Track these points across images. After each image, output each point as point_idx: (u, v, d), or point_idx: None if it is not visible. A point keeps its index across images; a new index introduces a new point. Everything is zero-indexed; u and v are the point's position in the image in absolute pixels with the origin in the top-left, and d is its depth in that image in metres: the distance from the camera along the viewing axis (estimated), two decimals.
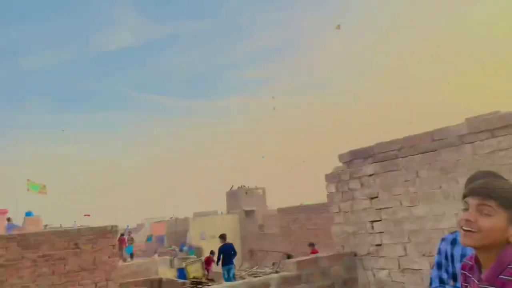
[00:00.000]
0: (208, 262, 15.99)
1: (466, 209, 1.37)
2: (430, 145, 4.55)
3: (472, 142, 4.17)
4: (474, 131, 4.15)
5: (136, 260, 19.09)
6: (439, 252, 2.32)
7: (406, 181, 4.76)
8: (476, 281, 1.37)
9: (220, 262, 12.71)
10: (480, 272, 1.36)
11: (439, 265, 2.29)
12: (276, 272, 11.49)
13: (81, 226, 15.66)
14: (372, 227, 5.14)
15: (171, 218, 40.47)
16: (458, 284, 1.84)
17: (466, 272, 1.46)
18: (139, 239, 35.05)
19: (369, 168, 5.21)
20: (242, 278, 13.86)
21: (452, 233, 2.32)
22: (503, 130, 3.95)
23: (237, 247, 17.70)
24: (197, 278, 14.18)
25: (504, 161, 3.92)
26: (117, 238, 13.27)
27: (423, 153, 4.62)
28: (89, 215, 26.42)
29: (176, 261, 19.83)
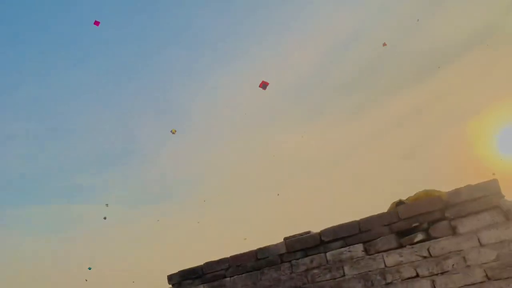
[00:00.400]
0: None
1: None
2: (255, 264, 4.74)
3: (290, 261, 4.52)
4: (291, 250, 4.54)
5: None
6: None
7: None
8: None
9: None
10: None
11: None
12: None
13: None
14: None
15: None
16: None
17: None
18: None
19: None
20: None
21: None
22: (314, 249, 4.43)
23: None
24: None
25: (316, 279, 4.32)
26: None
27: (249, 271, 4.76)
28: None
29: None
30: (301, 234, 4.65)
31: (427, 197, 4.20)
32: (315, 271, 4.34)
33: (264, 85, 12.92)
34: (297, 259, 4.48)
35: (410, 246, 3.90)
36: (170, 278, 5.36)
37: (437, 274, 3.70)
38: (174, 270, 5.39)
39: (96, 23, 14.21)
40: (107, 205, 19.16)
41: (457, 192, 3.85)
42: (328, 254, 4.32)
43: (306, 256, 4.44)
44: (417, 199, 4.52)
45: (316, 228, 4.53)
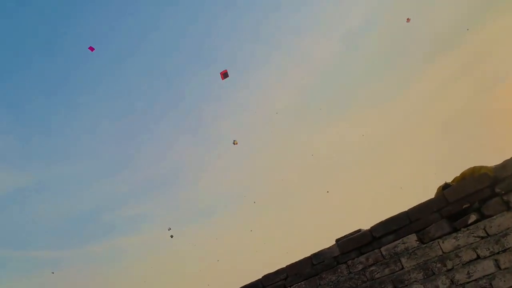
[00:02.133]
0: None
1: None
2: (312, 269, 4.78)
3: (346, 262, 4.53)
4: (345, 251, 4.55)
5: None
6: None
7: None
8: None
9: None
10: None
11: None
12: None
13: None
14: None
15: None
16: None
17: None
18: None
19: None
20: None
21: None
22: (367, 246, 4.42)
23: None
24: None
25: (375, 275, 4.30)
26: None
27: (307, 278, 4.80)
28: None
29: None
30: (352, 234, 4.65)
31: (473, 175, 4.10)
32: (373, 268, 4.33)
33: (225, 74, 12.85)
34: (353, 258, 4.48)
35: (465, 229, 3.81)
36: None
37: (498, 253, 3.60)
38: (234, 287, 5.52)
39: (91, 48, 14.63)
40: (169, 229, 19.89)
41: (504, 165, 3.75)
42: (382, 249, 4.29)
43: (361, 254, 4.44)
44: (463, 178, 4.42)
45: (365, 225, 4.53)
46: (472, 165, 4.67)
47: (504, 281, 3.50)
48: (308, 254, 4.91)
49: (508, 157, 3.77)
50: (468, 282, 3.72)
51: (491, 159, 3.88)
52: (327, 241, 4.75)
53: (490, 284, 3.59)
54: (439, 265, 3.91)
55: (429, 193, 4.15)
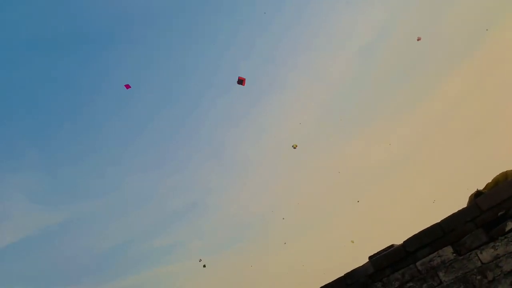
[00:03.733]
0: None
1: None
2: None
3: (381, 279, 4.40)
4: (379, 268, 4.43)
5: None
6: None
7: None
8: None
9: None
10: None
11: None
12: None
13: None
14: None
15: None
16: None
17: None
18: None
19: None
20: None
21: None
22: (402, 262, 4.29)
23: None
24: None
25: None
26: None
27: None
28: None
29: None
30: (384, 250, 4.54)
31: (506, 180, 3.97)
32: (410, 284, 4.19)
33: (240, 80, 12.75)
34: (388, 276, 4.36)
35: (502, 237, 3.66)
36: None
37: None
38: None
39: (127, 86, 14.87)
40: (200, 260, 19.84)
41: None
42: (418, 264, 4.16)
43: (396, 271, 4.31)
44: (496, 184, 4.28)
45: (398, 239, 4.41)
46: (504, 170, 4.52)
47: None
48: (341, 273, 4.81)
49: None
50: None
51: None
52: (360, 259, 4.64)
53: None
54: (479, 277, 3.75)
55: (462, 203, 4.03)
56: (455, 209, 4.00)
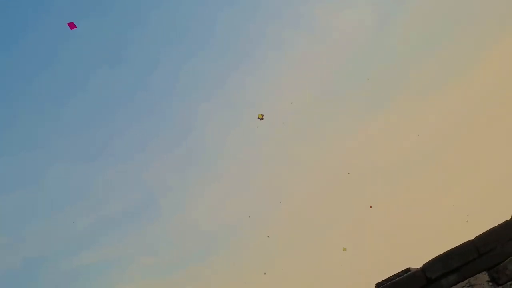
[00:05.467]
0: None
1: None
2: None
3: None
4: None
5: None
6: None
7: None
8: None
9: None
10: None
11: None
12: None
13: None
14: None
15: None
16: None
17: None
18: None
19: None
20: None
21: None
22: None
23: None
24: None
25: None
26: None
27: None
28: None
29: None
30: (397, 275, 3.62)
31: None
32: None
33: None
34: None
35: None
36: None
37: None
38: None
39: (71, 25, 13.23)
40: None
41: None
42: None
43: None
44: None
45: (416, 262, 3.52)
46: None
47: None
48: None
49: None
50: None
51: None
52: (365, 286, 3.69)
53: None
54: None
55: (504, 216, 3.18)
56: (494, 224, 3.16)
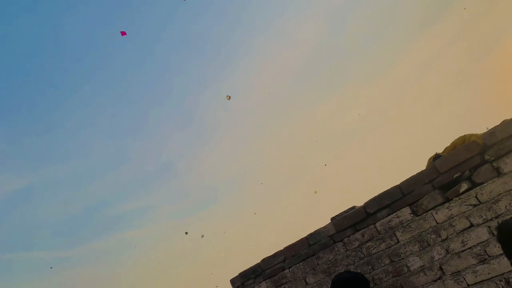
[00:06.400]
0: None
1: None
2: (309, 250, 4.79)
3: (342, 240, 4.53)
4: (340, 229, 4.55)
5: None
6: None
7: None
8: None
9: None
10: None
11: None
12: None
13: None
14: None
15: None
16: None
17: None
18: None
19: (262, 287, 5.17)
20: None
21: None
22: (362, 223, 4.42)
23: None
24: None
25: (372, 251, 4.31)
26: None
27: (305, 259, 4.82)
28: None
29: None
30: (346, 211, 4.65)
31: (463, 144, 4.09)
32: (369, 243, 4.34)
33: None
34: (348, 236, 4.49)
35: (457, 198, 3.81)
36: (233, 282, 5.52)
37: (491, 219, 3.60)
38: (236, 272, 5.54)
39: (123, 33, 14.14)
40: (186, 232, 20.09)
41: (492, 131, 3.72)
42: (377, 224, 4.30)
43: (357, 231, 4.44)
44: (454, 148, 4.40)
45: (359, 201, 4.52)
46: (463, 134, 4.64)
47: (498, 247, 3.51)
48: (305, 234, 4.92)
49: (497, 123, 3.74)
50: (463, 251, 3.73)
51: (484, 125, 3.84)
52: (323, 220, 4.75)
53: (485, 251, 3.60)
54: (433, 236, 3.92)
55: (423, 166, 4.13)
56: (413, 173, 4.11)
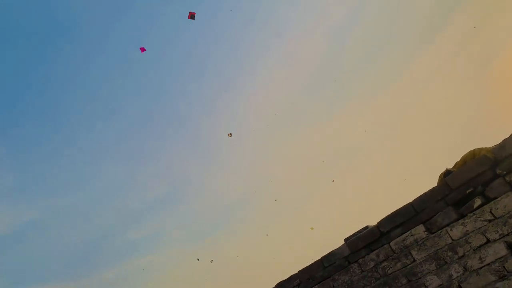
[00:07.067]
0: None
1: None
2: (324, 272, 4.73)
3: (357, 260, 4.48)
4: (355, 250, 4.50)
5: None
6: None
7: None
8: None
9: None
10: None
11: None
12: None
13: None
14: None
15: None
16: None
17: None
18: None
19: None
20: None
21: None
22: (376, 243, 4.38)
23: None
24: None
25: (388, 271, 4.25)
26: None
27: (320, 282, 4.76)
28: None
29: None
30: (359, 231, 4.61)
31: (473, 158, 4.07)
32: (384, 263, 4.28)
33: (192, 15, 12.79)
34: (363, 256, 4.44)
35: (471, 214, 3.77)
36: None
37: (508, 234, 3.55)
38: None
39: (142, 49, 14.41)
40: (198, 259, 20.02)
41: (502, 145, 3.72)
42: (391, 243, 4.25)
43: (371, 251, 4.39)
44: (464, 163, 4.39)
45: (372, 221, 4.49)
46: (472, 148, 4.63)
47: None
48: (318, 257, 4.87)
49: (507, 136, 3.74)
50: (481, 268, 3.67)
51: (494, 139, 3.83)
52: (336, 241, 4.71)
53: (503, 267, 3.54)
54: (450, 253, 3.86)
55: (434, 183, 4.11)
56: (425, 190, 4.09)
